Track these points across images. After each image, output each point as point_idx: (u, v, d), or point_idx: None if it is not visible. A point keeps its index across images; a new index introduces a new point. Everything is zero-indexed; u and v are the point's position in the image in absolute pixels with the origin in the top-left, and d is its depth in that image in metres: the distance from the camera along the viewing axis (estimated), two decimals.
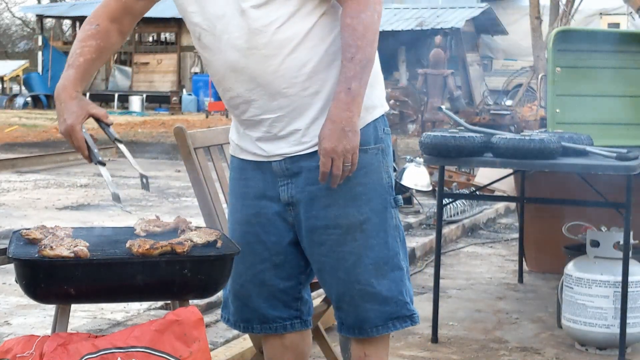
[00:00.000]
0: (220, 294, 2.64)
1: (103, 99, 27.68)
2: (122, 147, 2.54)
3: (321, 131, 2.43)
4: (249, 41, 2.45)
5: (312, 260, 2.62)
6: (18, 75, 29.27)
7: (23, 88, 28.81)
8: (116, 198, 2.45)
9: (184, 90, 26.37)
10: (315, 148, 2.48)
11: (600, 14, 22.27)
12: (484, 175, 7.54)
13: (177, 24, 26.94)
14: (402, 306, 2.59)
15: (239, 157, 2.65)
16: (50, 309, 2.80)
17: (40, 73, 28.56)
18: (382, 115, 2.60)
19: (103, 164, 2.45)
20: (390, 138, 2.64)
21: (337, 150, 2.40)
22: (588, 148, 4.14)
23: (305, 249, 2.61)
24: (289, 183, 2.56)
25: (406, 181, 7.43)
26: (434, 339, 4.30)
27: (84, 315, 4.52)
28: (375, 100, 2.57)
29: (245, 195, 2.64)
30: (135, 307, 4.70)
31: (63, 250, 2.45)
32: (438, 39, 18.05)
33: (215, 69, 2.55)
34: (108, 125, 2.53)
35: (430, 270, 5.52)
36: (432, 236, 6.60)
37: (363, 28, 2.41)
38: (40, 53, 28.92)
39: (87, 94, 27.05)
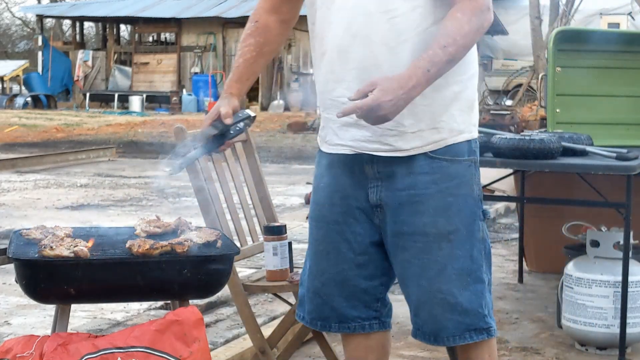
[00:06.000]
0: (220, 293, 2.64)
1: (103, 99, 27.68)
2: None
3: (383, 81, 2.29)
4: (365, 23, 2.40)
5: (394, 264, 2.59)
6: (18, 75, 29.27)
7: (23, 88, 28.81)
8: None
9: (184, 90, 26.36)
10: (410, 153, 2.46)
11: (600, 14, 22.22)
12: (483, 175, 7.47)
13: (177, 24, 26.90)
14: (480, 319, 2.58)
15: (327, 152, 2.59)
16: (50, 309, 2.80)
17: (40, 73, 28.55)
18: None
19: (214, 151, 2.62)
20: (478, 153, 2.63)
21: (382, 105, 2.27)
22: (588, 148, 4.13)
23: (389, 252, 2.58)
24: (379, 186, 2.53)
25: None
26: None
27: (84, 315, 4.52)
28: (475, 121, 2.56)
29: (333, 193, 2.60)
30: (135, 307, 4.70)
31: (63, 250, 2.45)
32: None
33: (318, 47, 2.52)
34: (234, 123, 2.55)
35: None
36: None
37: (468, 29, 2.33)
38: (40, 53, 28.92)
39: (87, 94, 27.10)
